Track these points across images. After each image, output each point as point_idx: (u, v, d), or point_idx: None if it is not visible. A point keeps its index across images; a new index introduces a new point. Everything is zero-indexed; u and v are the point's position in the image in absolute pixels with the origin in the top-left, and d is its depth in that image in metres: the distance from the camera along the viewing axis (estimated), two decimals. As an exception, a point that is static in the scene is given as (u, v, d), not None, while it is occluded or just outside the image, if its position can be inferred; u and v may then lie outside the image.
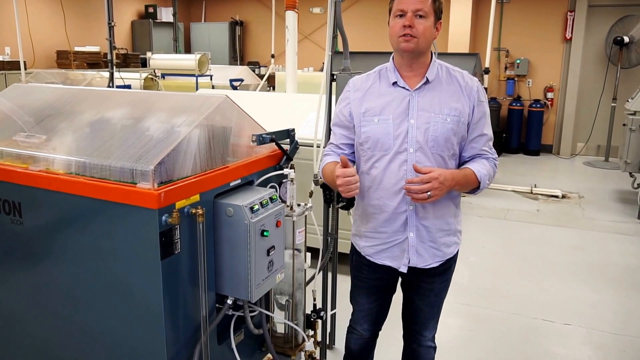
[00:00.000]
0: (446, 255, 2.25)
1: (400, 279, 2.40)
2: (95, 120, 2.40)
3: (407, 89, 2.12)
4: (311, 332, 2.88)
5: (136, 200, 1.91)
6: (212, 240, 2.19)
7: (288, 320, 2.67)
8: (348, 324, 2.55)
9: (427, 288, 2.32)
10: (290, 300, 2.67)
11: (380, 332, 2.59)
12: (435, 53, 5.18)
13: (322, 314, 2.86)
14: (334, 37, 5.08)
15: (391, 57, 2.20)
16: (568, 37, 10.12)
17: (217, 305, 2.31)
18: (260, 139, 2.45)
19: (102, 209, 2.01)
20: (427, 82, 2.12)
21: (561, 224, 6.16)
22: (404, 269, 2.21)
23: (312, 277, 2.84)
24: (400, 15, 2.03)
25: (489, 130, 2.21)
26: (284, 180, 2.57)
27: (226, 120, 2.38)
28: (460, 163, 2.23)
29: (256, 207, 2.19)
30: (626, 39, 9.35)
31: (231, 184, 2.28)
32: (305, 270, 2.73)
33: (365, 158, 2.19)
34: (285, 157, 2.60)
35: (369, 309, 2.43)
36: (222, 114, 2.32)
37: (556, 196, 7.23)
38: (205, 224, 2.09)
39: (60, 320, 2.27)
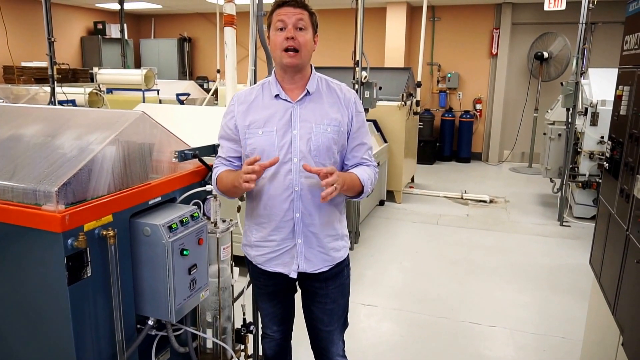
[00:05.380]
0: (336, 260, 2.21)
1: (300, 291, 2.34)
2: (5, 138, 2.17)
3: (289, 101, 2.08)
4: (242, 346, 2.72)
5: (39, 224, 1.71)
6: (128, 260, 2.00)
7: (215, 336, 2.50)
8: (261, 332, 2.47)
9: (322, 294, 2.26)
10: (217, 317, 2.50)
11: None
12: (367, 67, 5.12)
13: (251, 327, 2.70)
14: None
15: (273, 71, 2.15)
16: (494, 53, 10.31)
17: (138, 326, 2.13)
18: (182, 156, 2.28)
19: (5, 233, 1.80)
20: (308, 94, 2.09)
21: (488, 227, 6.19)
22: (293, 275, 2.16)
23: (241, 293, 2.68)
24: (282, 29, 1.99)
25: (368, 140, 2.21)
26: (208, 197, 2.40)
27: (146, 136, 2.20)
28: (344, 171, 2.18)
29: (175, 225, 2.03)
30: (546, 55, 9.60)
31: (150, 202, 2.10)
32: (232, 285, 2.56)
33: None
34: (210, 173, 2.43)
35: (273, 312, 2.37)
36: (139, 130, 2.14)
37: (484, 201, 7.29)
38: (122, 244, 1.91)
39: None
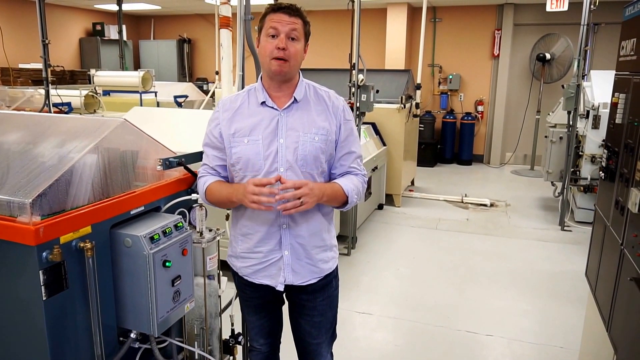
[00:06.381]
0: (324, 271, 2.16)
1: (287, 303, 2.30)
2: (-17, 146, 2.13)
3: (276, 109, 2.02)
4: (230, 358, 2.67)
5: (13, 236, 1.66)
6: (109, 272, 1.96)
7: (202, 348, 2.45)
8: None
9: (310, 307, 2.21)
10: (204, 328, 2.45)
11: None
12: (364, 70, 5.06)
13: (240, 339, 2.65)
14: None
15: (259, 77, 2.10)
16: (496, 54, 10.25)
17: (121, 338, 2.08)
18: (167, 163, 2.24)
19: (-20, 246, 1.75)
20: (295, 101, 2.04)
21: (488, 232, 6.13)
22: (280, 287, 2.11)
23: (229, 303, 2.63)
24: (273, 36, 1.93)
25: (356, 148, 2.14)
26: (194, 205, 2.35)
27: (128, 144, 2.15)
28: (331, 180, 2.14)
29: (157, 236, 1.98)
30: (548, 56, 9.54)
31: (132, 212, 2.05)
32: (220, 296, 2.51)
33: (237, 179, 2.07)
34: (196, 181, 2.38)
35: (260, 324, 2.32)
36: (121, 138, 2.10)
37: (485, 205, 7.22)
38: (101, 256, 1.86)
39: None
